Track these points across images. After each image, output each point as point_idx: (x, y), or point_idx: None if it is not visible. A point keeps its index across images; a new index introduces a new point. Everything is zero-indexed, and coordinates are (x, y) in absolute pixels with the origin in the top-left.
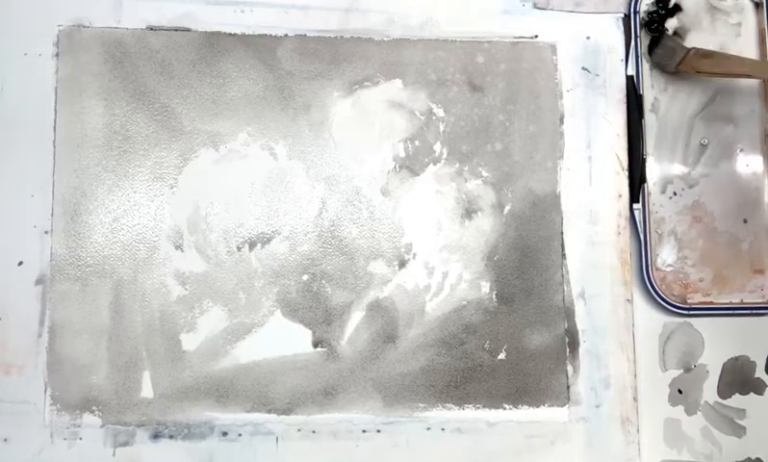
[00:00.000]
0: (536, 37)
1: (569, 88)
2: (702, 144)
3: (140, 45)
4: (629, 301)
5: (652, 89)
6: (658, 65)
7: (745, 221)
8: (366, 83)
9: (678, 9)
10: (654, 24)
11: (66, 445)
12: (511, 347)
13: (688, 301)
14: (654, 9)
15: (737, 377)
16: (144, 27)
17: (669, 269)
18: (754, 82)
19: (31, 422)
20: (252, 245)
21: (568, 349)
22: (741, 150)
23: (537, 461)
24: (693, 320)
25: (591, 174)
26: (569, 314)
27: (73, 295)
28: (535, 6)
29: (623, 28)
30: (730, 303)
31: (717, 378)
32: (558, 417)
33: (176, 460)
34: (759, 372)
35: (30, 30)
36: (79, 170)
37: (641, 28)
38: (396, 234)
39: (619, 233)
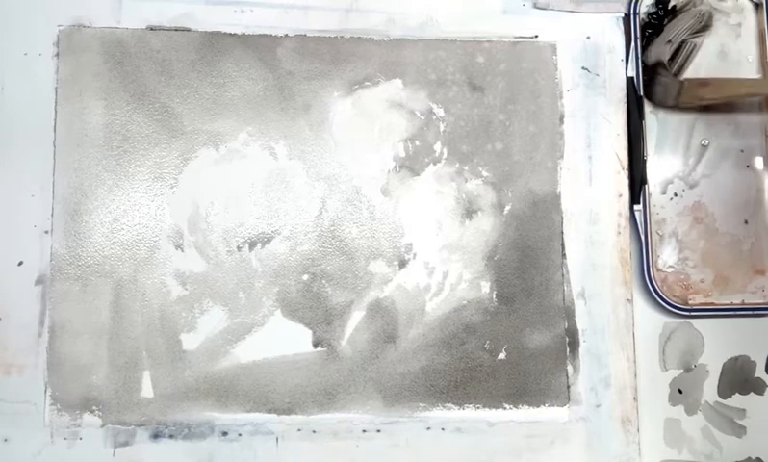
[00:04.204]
0: (536, 37)
1: (569, 88)
2: (702, 145)
3: (140, 45)
4: (630, 301)
5: None
6: (660, 104)
7: (746, 222)
8: (366, 83)
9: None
10: (652, 28)
11: (66, 445)
12: (511, 347)
13: (689, 302)
14: (654, 9)
15: (737, 377)
16: (144, 27)
17: (670, 270)
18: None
19: (31, 422)
20: (252, 245)
21: (568, 349)
22: (742, 151)
23: (537, 461)
24: (693, 321)
25: (591, 174)
26: (569, 314)
27: (73, 295)
28: (535, 6)
29: (623, 28)
30: (731, 304)
31: (717, 378)
32: (558, 417)
33: (176, 460)
34: (759, 372)
35: (30, 30)
36: (79, 170)
37: (641, 29)
38: (396, 234)
39: (619, 233)
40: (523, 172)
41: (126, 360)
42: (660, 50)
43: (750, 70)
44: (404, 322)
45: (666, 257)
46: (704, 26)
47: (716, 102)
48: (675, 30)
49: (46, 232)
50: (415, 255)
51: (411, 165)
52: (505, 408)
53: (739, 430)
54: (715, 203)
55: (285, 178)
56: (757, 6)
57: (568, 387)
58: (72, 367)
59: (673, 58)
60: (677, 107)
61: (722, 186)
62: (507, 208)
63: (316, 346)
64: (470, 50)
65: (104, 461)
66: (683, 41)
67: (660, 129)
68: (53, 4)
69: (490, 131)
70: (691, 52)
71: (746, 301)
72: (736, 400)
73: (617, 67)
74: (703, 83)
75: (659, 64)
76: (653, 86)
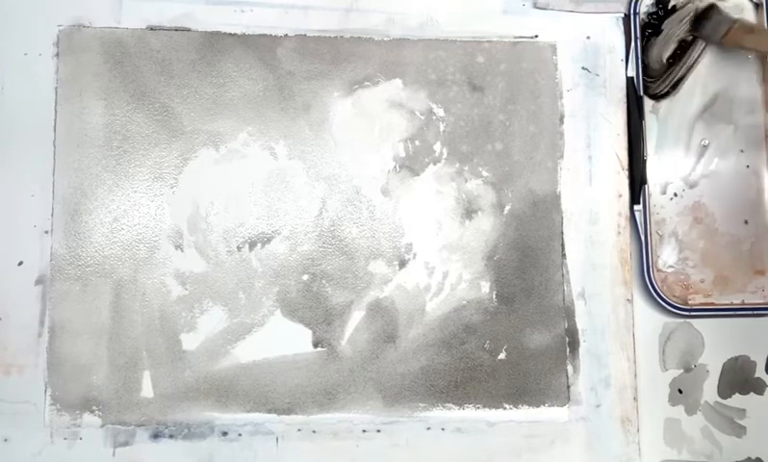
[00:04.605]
0: (536, 37)
1: (569, 88)
2: (702, 145)
3: (140, 45)
4: (629, 301)
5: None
6: (704, 38)
7: (746, 222)
8: (366, 83)
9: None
10: (652, 28)
11: (66, 445)
12: (511, 347)
13: (689, 302)
14: (654, 9)
15: (737, 377)
16: (144, 27)
17: (670, 270)
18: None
19: (31, 422)
20: (252, 245)
21: (568, 349)
22: (742, 151)
23: (537, 461)
24: (693, 320)
25: (591, 174)
26: (569, 314)
27: (73, 295)
28: (535, 6)
29: (623, 28)
30: (731, 304)
31: (717, 378)
32: (558, 417)
33: (176, 460)
34: (759, 372)
35: (30, 30)
36: (79, 170)
37: (641, 29)
38: (396, 234)
39: (619, 233)
40: (523, 172)
41: (126, 360)
42: (662, 48)
43: (749, 70)
44: (404, 322)
45: (666, 257)
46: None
47: (757, 52)
48: (672, 26)
49: (46, 232)
50: (415, 255)
51: (411, 165)
52: (505, 408)
53: (739, 430)
54: (715, 203)
55: (285, 178)
56: (757, 6)
57: (568, 387)
58: (72, 367)
59: (675, 56)
60: (720, 44)
61: (722, 186)
62: (507, 208)
63: (316, 346)
64: (470, 50)
65: (104, 461)
66: (690, 41)
67: (660, 129)
68: (53, 4)
69: (490, 131)
70: (701, 53)
71: (746, 301)
72: (736, 400)
73: (617, 67)
74: (749, 29)
75: (713, 6)
76: (704, 21)
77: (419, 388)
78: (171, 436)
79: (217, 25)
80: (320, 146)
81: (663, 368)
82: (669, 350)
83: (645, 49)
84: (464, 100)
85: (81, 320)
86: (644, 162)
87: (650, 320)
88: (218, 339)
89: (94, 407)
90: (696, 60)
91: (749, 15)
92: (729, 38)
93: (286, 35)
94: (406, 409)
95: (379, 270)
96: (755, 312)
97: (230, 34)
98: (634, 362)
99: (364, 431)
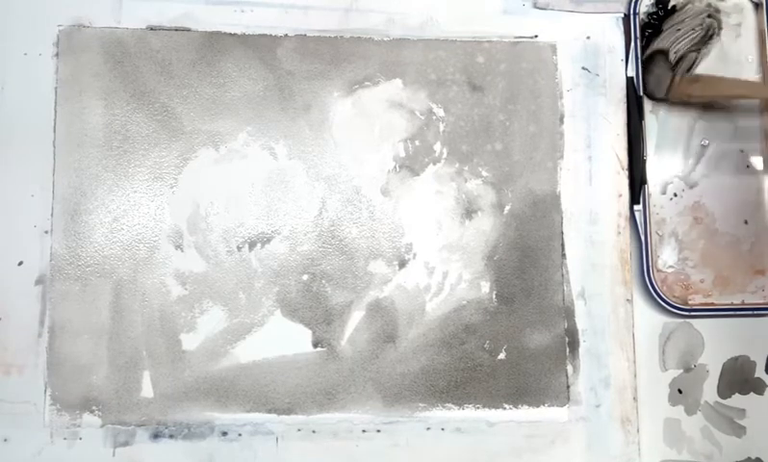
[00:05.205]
0: (536, 37)
1: (569, 88)
2: (702, 145)
3: (140, 45)
4: (629, 301)
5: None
6: (651, 95)
7: (746, 222)
8: (366, 83)
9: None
10: (652, 28)
11: (66, 445)
12: (511, 347)
13: (689, 302)
14: (654, 9)
15: (737, 377)
16: (144, 27)
17: (670, 270)
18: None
19: (31, 422)
20: (252, 245)
21: (568, 349)
22: (742, 151)
23: (537, 461)
24: (693, 321)
25: (591, 174)
26: (569, 314)
27: (73, 295)
28: (535, 6)
29: (623, 28)
30: (731, 304)
31: (717, 378)
32: (558, 417)
33: (176, 460)
34: (759, 372)
35: (30, 30)
36: (79, 170)
37: (641, 29)
38: (396, 234)
39: (619, 233)
40: (523, 172)
41: (126, 360)
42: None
43: (749, 71)
44: (404, 322)
45: (666, 257)
46: (709, 36)
47: (705, 100)
48: (677, 40)
49: (46, 232)
50: (415, 255)
51: (411, 165)
52: (505, 408)
53: (739, 430)
54: (715, 203)
55: (285, 178)
56: (757, 6)
57: (568, 387)
58: (72, 367)
59: (677, 64)
60: (666, 100)
61: (722, 186)
62: (507, 208)
63: (316, 346)
64: (470, 50)
65: (104, 461)
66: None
67: (660, 129)
68: (53, 4)
69: (490, 131)
70: (694, 61)
71: (746, 301)
72: (736, 400)
73: (617, 67)
74: (694, 79)
75: (658, 52)
76: (647, 75)
77: (419, 388)
78: (171, 436)
79: (217, 25)
80: (319, 146)
81: (663, 368)
82: (669, 350)
83: (644, 50)
84: (464, 100)
85: (81, 320)
86: (644, 162)
87: (650, 321)
88: (218, 339)
89: (94, 407)
90: (692, 65)
91: (749, 16)
92: (675, 92)
93: (286, 35)
94: (406, 409)
95: (379, 270)
96: (755, 312)
97: (230, 34)
98: (634, 362)
99: (364, 431)
